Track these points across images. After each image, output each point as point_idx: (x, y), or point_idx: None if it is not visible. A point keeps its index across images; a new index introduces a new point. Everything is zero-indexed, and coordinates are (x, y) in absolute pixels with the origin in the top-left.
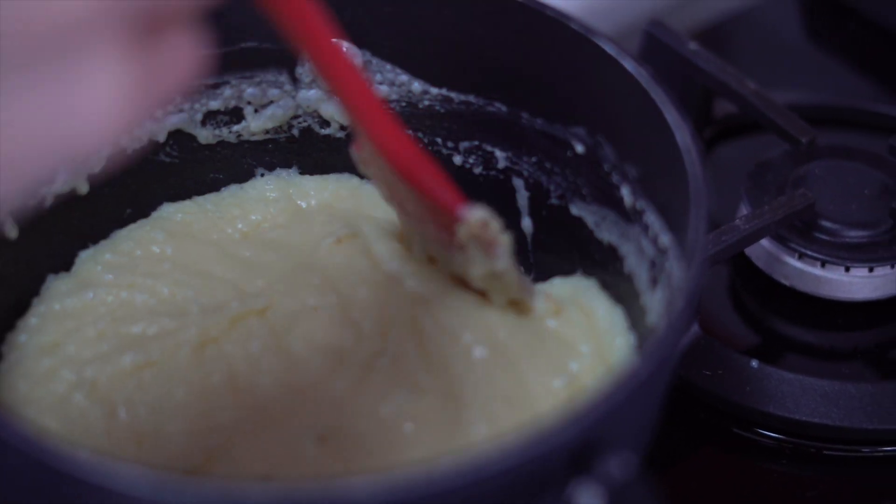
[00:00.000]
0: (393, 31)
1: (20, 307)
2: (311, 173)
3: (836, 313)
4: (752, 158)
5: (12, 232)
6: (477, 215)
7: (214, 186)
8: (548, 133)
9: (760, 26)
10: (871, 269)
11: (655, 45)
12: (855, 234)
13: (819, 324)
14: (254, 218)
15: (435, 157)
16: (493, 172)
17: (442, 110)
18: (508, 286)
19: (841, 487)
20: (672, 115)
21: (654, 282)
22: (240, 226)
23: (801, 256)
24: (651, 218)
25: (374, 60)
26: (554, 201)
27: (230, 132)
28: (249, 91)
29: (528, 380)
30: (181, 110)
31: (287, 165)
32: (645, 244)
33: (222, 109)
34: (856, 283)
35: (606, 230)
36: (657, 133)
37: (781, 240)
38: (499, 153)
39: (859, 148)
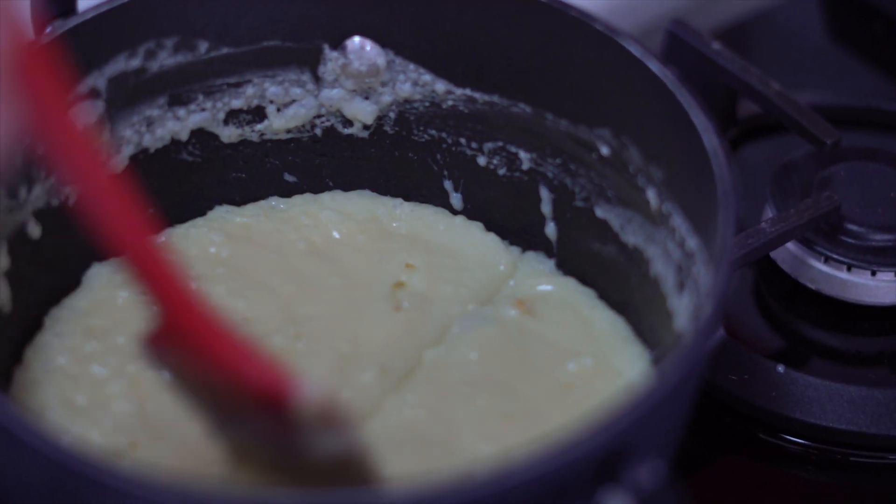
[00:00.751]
0: (416, 31)
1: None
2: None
3: (862, 318)
4: (777, 159)
5: (35, 231)
6: (316, 393)
7: (238, 186)
8: (573, 134)
9: (784, 26)
10: None
11: (678, 44)
12: (881, 238)
13: (845, 328)
14: (328, 232)
15: (459, 156)
16: (517, 174)
17: (466, 111)
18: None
19: (867, 494)
20: (699, 117)
21: (680, 286)
22: (310, 236)
23: (827, 260)
24: (678, 221)
25: (398, 60)
26: (579, 203)
27: (253, 131)
28: (272, 90)
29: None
30: (203, 109)
31: (312, 166)
32: (671, 247)
33: (245, 108)
34: (882, 287)
35: (632, 233)
36: (683, 135)
37: (807, 243)
38: (523, 154)
39: (884, 149)
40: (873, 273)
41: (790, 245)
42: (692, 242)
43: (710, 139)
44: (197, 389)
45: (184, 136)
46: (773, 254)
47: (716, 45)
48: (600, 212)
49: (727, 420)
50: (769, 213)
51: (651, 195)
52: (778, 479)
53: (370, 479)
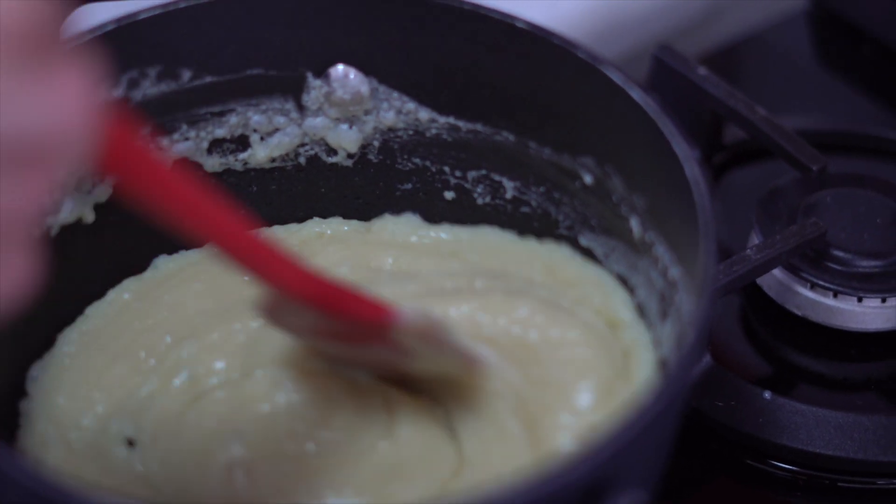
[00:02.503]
0: (400, 59)
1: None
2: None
3: (849, 344)
4: (763, 185)
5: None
6: (417, 318)
7: None
8: (556, 163)
9: (771, 50)
10: (883, 300)
11: (664, 69)
12: (867, 264)
13: (832, 354)
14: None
15: (442, 186)
16: (500, 202)
17: (449, 139)
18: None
19: None
20: (680, 146)
21: (664, 314)
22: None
23: (814, 286)
24: (660, 250)
25: (381, 88)
26: (563, 232)
27: (236, 160)
28: (255, 119)
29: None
30: (187, 139)
31: (295, 195)
32: (654, 276)
33: (228, 137)
34: (869, 314)
35: (615, 261)
36: (665, 164)
37: (793, 269)
38: (507, 182)
39: (871, 175)
40: (860, 299)
41: (776, 271)
42: (675, 271)
43: (692, 169)
44: (316, 336)
45: (168, 166)
46: (759, 280)
47: (702, 71)
48: (584, 240)
49: (714, 446)
50: (755, 239)
51: (634, 224)
52: None
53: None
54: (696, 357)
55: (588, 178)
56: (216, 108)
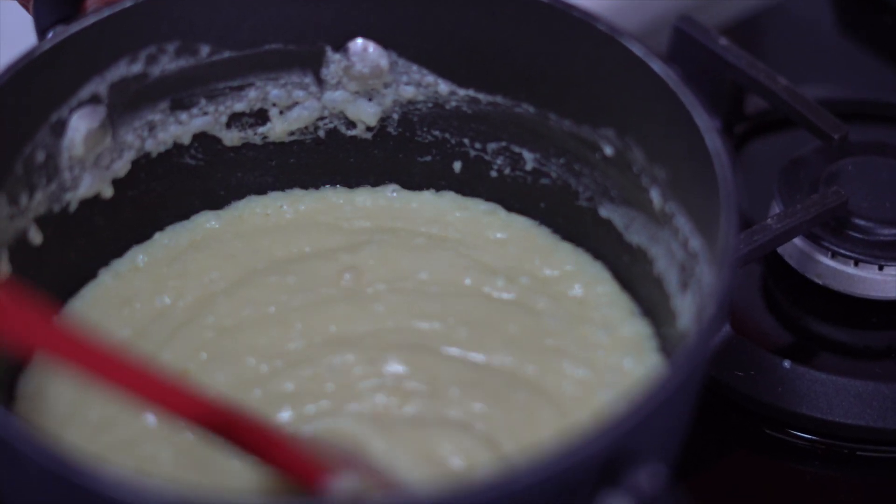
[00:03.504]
0: (419, 32)
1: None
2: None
3: (869, 312)
4: (785, 155)
5: (37, 238)
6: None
7: (239, 191)
8: (576, 134)
9: (792, 20)
10: None
11: (685, 40)
12: (888, 232)
13: (852, 323)
14: None
15: (464, 157)
16: (520, 174)
17: (469, 111)
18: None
19: (875, 489)
20: (701, 118)
21: (684, 286)
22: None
23: (834, 255)
24: (681, 221)
25: (401, 61)
26: (583, 203)
27: (255, 134)
28: (274, 93)
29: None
30: (206, 113)
31: (315, 167)
32: (675, 247)
33: (247, 111)
34: (889, 282)
35: (636, 232)
36: (686, 136)
37: (814, 238)
38: (527, 154)
39: (893, 143)
40: (880, 267)
41: (797, 240)
42: (695, 243)
43: (713, 140)
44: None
45: (186, 140)
46: (780, 249)
47: (723, 41)
48: (604, 211)
49: (734, 416)
50: (776, 208)
51: (655, 195)
52: (785, 474)
53: None
54: (717, 328)
55: (608, 150)
56: (235, 83)
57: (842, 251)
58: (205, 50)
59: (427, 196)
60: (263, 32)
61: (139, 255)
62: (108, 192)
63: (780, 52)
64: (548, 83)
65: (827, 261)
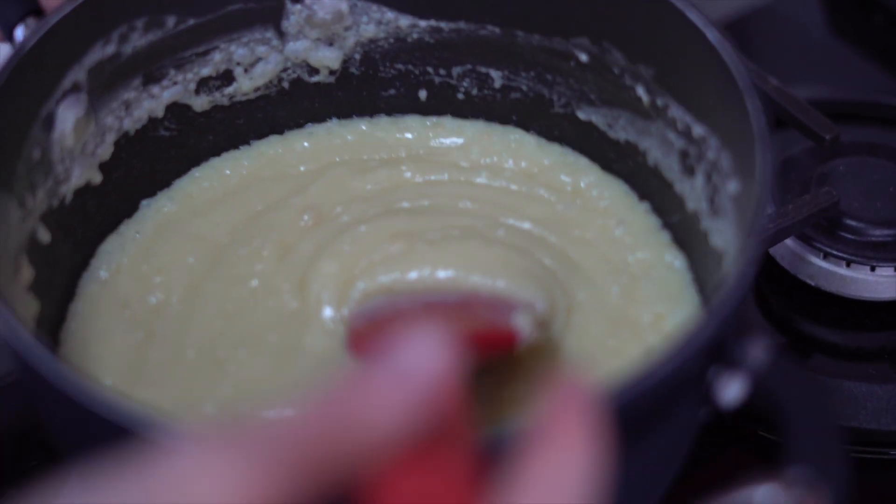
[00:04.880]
0: None
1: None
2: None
3: (862, 313)
4: (776, 155)
5: (45, 236)
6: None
7: (214, 150)
8: (547, 48)
9: (782, 20)
10: None
11: None
12: (880, 233)
13: (845, 324)
14: None
15: (428, 85)
16: (488, 92)
17: (432, 41)
18: None
19: (868, 491)
20: (689, 11)
21: (689, 171)
22: None
23: (826, 256)
24: (677, 112)
25: (360, 3)
26: (559, 110)
27: (223, 95)
28: (238, 52)
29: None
30: (175, 83)
31: (280, 118)
32: (672, 137)
33: (214, 75)
34: (882, 283)
35: (621, 129)
36: (671, 27)
37: (806, 239)
38: (494, 73)
39: (884, 144)
40: (872, 268)
41: (789, 241)
42: (700, 129)
43: (709, 30)
44: None
45: (160, 113)
46: (772, 250)
47: None
48: (583, 115)
49: (727, 417)
50: (769, 209)
51: (641, 92)
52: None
53: None
54: (766, 207)
55: (584, 57)
56: (201, 49)
57: (834, 252)
58: (171, 21)
59: (382, 121)
60: None
61: (116, 257)
62: (97, 178)
63: (771, 52)
64: (512, 2)
65: (819, 262)
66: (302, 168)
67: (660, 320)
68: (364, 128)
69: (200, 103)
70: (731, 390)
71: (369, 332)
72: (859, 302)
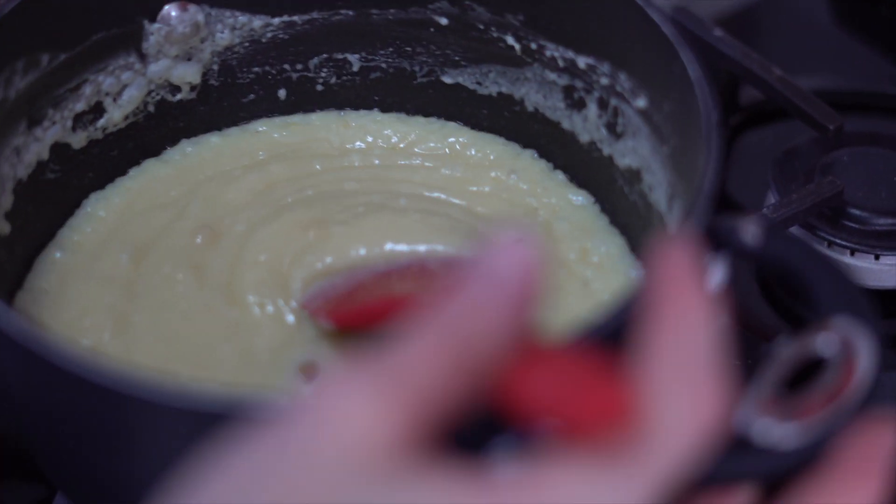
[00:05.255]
0: None
1: None
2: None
3: None
4: (780, 145)
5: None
6: None
7: (92, 187)
8: (404, 20)
9: (787, 10)
10: None
11: (680, 31)
12: (884, 222)
13: None
14: None
15: (286, 83)
16: (347, 78)
17: (286, 37)
18: None
19: None
20: None
21: (579, 104)
22: None
23: (830, 245)
24: (555, 51)
25: (214, 11)
26: (422, 80)
27: (96, 129)
28: (107, 82)
29: None
30: (54, 122)
31: (150, 143)
32: (552, 77)
33: (87, 109)
34: (886, 271)
35: (492, 83)
36: None
37: (810, 228)
38: (351, 56)
39: (888, 134)
40: (877, 257)
41: (793, 230)
42: (585, 61)
43: None
44: None
45: (45, 155)
46: None
47: (717, 32)
48: (448, 79)
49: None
50: (772, 199)
51: (511, 41)
52: None
53: None
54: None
55: (443, 21)
56: (73, 83)
57: (838, 241)
58: (45, 59)
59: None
60: (88, 24)
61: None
62: (5, 228)
63: (775, 42)
64: None
65: (823, 250)
66: (173, 193)
67: (586, 254)
68: (216, 140)
69: (78, 140)
70: (717, 272)
71: (343, 303)
72: (863, 290)
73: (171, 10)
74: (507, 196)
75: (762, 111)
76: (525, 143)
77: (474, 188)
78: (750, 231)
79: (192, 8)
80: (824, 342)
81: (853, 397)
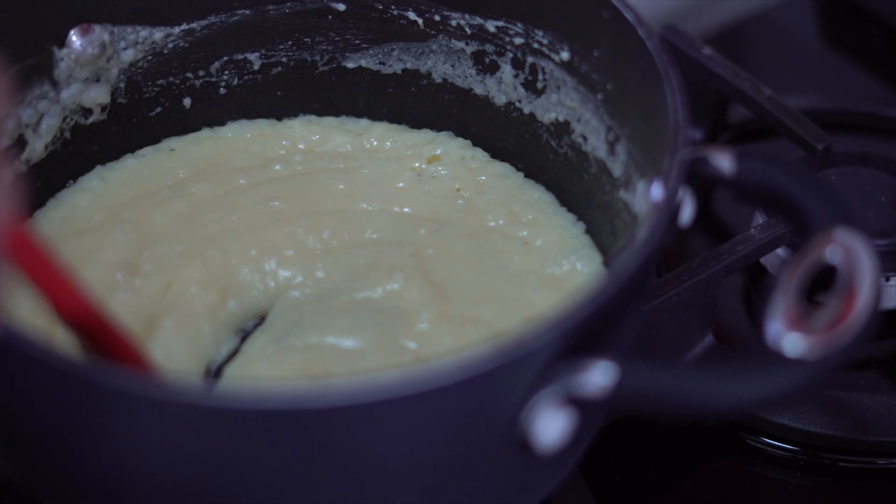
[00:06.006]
0: None
1: None
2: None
3: None
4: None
5: None
6: None
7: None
8: (301, 11)
9: (776, 30)
10: (887, 279)
11: (669, 49)
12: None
13: None
14: None
15: (190, 91)
16: (249, 77)
17: (186, 44)
18: None
19: (856, 500)
20: None
21: (491, 67)
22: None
23: None
24: (461, 20)
25: (117, 29)
26: (323, 69)
27: (21, 163)
28: (26, 114)
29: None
30: None
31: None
32: (459, 45)
33: (11, 143)
34: None
35: (397, 61)
36: None
37: (797, 248)
38: (251, 55)
39: (876, 154)
40: None
41: (780, 250)
42: (494, 24)
43: None
44: None
45: None
46: (763, 259)
47: (707, 51)
48: (351, 63)
49: (716, 426)
50: (759, 219)
51: (413, 16)
52: (766, 484)
53: None
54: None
55: (341, 7)
56: None
57: None
58: None
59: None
60: (4, 59)
61: None
62: None
63: (765, 61)
64: None
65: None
66: (95, 219)
67: (516, 217)
68: (133, 162)
69: (6, 175)
70: (688, 206)
71: None
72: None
73: (77, 34)
74: (427, 188)
75: (751, 130)
76: (440, 125)
77: (401, 184)
78: (724, 158)
79: (97, 28)
80: (832, 252)
81: (865, 301)
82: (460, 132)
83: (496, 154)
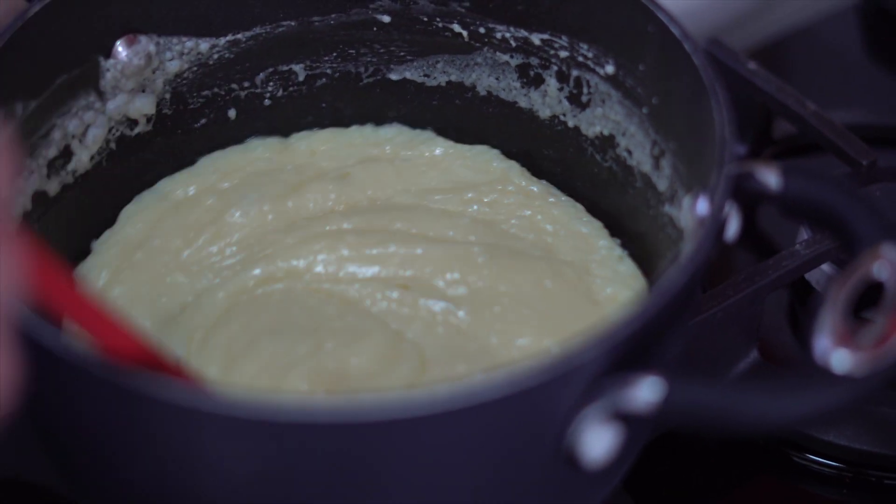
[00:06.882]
0: (167, 4)
1: None
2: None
3: None
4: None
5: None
6: None
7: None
8: (346, 23)
9: (820, 44)
10: None
11: (714, 64)
12: None
13: None
14: None
15: (235, 102)
16: (294, 88)
17: (231, 55)
18: None
19: None
20: None
21: (537, 80)
22: None
23: None
24: (506, 33)
25: (162, 40)
26: (368, 80)
27: (67, 173)
28: (72, 125)
29: None
30: (32, 172)
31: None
32: (504, 58)
33: (57, 154)
34: None
35: (441, 73)
36: None
37: (842, 264)
38: (296, 66)
39: None
40: None
41: (825, 266)
42: (539, 37)
43: None
44: None
45: (29, 206)
46: (808, 275)
47: (751, 65)
48: (395, 76)
49: (760, 442)
50: (804, 234)
51: (458, 28)
52: (811, 501)
53: None
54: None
55: (385, 18)
56: (43, 130)
57: None
58: (20, 108)
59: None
60: (51, 69)
61: None
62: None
63: (809, 76)
64: None
65: None
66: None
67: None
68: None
69: (53, 187)
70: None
71: None
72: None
73: (123, 45)
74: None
75: (795, 145)
76: (482, 138)
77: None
78: (770, 173)
79: (143, 39)
80: (879, 269)
81: None
82: (502, 145)
83: (539, 168)
